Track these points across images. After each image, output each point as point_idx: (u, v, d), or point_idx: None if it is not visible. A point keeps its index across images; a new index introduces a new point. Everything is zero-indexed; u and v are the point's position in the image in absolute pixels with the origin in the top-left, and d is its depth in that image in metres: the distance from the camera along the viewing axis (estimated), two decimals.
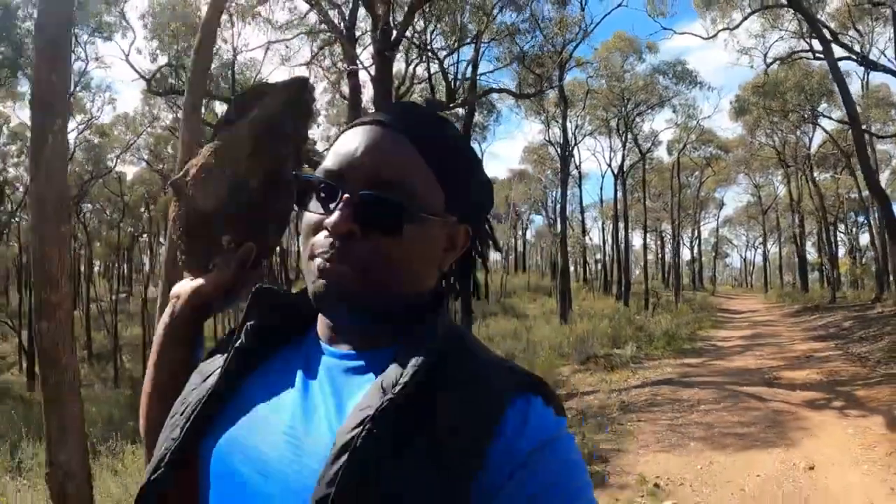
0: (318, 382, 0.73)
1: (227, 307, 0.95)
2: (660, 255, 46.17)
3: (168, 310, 0.94)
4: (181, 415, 0.76)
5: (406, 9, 11.82)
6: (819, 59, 16.61)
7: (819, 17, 18.05)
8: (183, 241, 1.00)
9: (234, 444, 0.72)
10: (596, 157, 77.12)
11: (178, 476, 0.74)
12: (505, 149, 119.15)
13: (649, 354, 12.20)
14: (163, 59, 18.99)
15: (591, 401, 8.33)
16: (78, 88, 22.42)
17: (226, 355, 0.78)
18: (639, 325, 15.86)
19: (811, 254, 36.81)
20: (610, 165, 30.08)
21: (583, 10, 17.94)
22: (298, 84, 1.04)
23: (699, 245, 44.86)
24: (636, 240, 48.74)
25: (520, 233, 50.66)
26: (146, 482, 0.74)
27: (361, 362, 0.72)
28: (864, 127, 18.67)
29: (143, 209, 36.47)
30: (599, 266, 42.63)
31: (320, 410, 0.70)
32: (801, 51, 19.07)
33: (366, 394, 0.65)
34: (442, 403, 0.64)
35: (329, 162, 0.72)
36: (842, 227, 34.83)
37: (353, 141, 0.72)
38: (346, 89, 14.38)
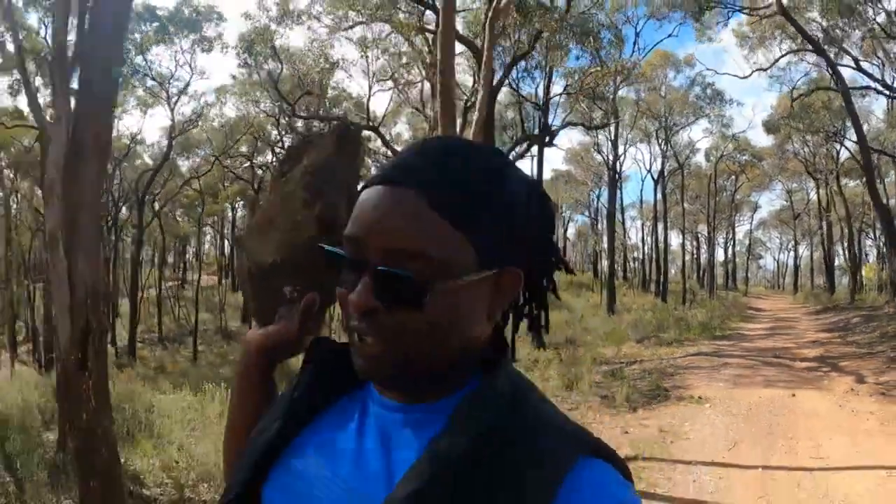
0: (371, 434, 0.76)
1: (295, 355, 1.00)
2: (695, 256, 49.95)
3: (241, 358, 1.03)
4: (246, 458, 0.83)
5: (510, 58, 15.82)
6: (836, 91, 20.35)
7: (844, 45, 21.77)
8: (249, 293, 1.09)
9: (290, 492, 0.78)
10: (637, 162, 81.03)
11: None
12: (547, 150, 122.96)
13: (688, 338, 16.16)
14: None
15: (649, 364, 12.33)
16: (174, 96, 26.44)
17: (284, 405, 0.84)
18: (678, 316, 19.85)
19: (841, 257, 40.47)
20: (650, 171, 33.96)
21: (636, 48, 22.00)
22: (343, 130, 1.12)
23: (733, 247, 48.61)
24: (672, 240, 52.46)
25: (561, 231, 54.59)
26: None
27: (412, 415, 0.74)
28: (881, 148, 22.43)
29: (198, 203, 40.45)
30: (637, 264, 46.56)
31: (372, 462, 0.74)
32: (821, 88, 22.78)
33: (415, 466, 0.67)
34: (497, 478, 0.65)
35: (350, 227, 0.72)
36: (872, 233, 38.45)
37: (367, 205, 0.71)
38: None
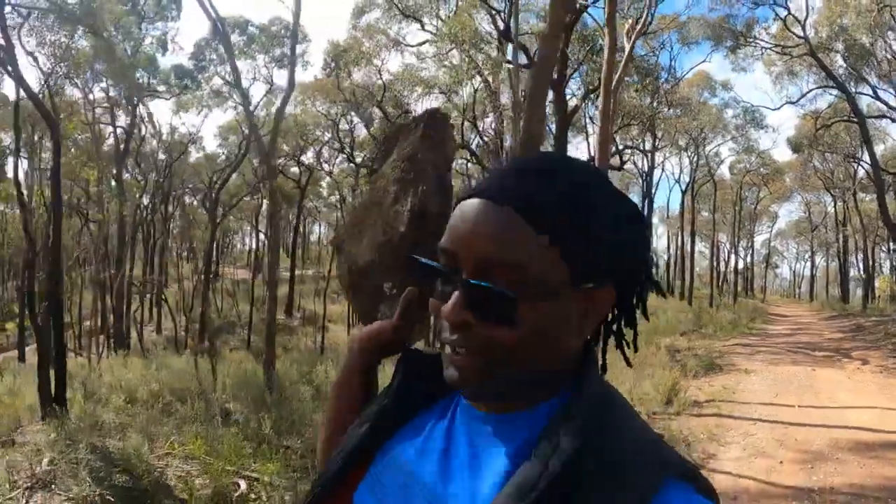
0: (458, 443, 0.81)
1: (399, 349, 1.04)
2: (715, 263, 53.82)
3: (346, 356, 1.11)
4: (339, 453, 0.91)
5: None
6: (853, 122, 24.19)
7: (862, 73, 25.53)
8: (349, 294, 1.19)
9: (378, 492, 0.85)
10: (665, 172, 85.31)
11: None
12: (574, 153, 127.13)
13: (722, 334, 19.90)
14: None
15: (698, 350, 16.09)
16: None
17: (377, 410, 0.91)
18: (710, 317, 23.66)
19: (856, 269, 44.43)
20: (678, 181, 37.74)
21: (672, 71, 25.76)
22: (427, 117, 1.20)
23: (752, 255, 52.42)
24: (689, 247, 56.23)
25: None
26: (306, 502, 0.90)
27: (500, 426, 0.78)
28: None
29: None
30: (661, 270, 50.36)
31: (456, 469, 0.79)
32: (841, 119, 26.59)
33: (501, 492, 0.70)
34: (582, 501, 0.68)
35: (444, 240, 0.76)
36: (886, 246, 42.35)
37: (461, 217, 0.75)
38: None
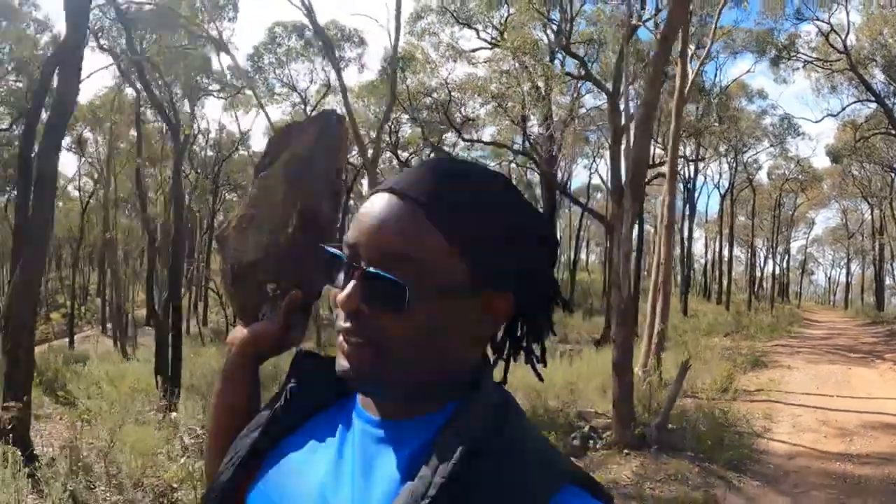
0: (350, 447, 0.83)
1: (280, 353, 1.07)
2: (750, 268, 55.36)
3: (226, 360, 1.10)
4: (230, 461, 0.90)
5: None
6: (892, 134, 25.86)
7: None
8: (230, 292, 1.14)
9: (268, 497, 0.86)
10: (705, 178, 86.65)
11: None
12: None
13: (762, 336, 21.70)
14: None
15: (743, 350, 17.94)
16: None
17: (268, 414, 0.91)
18: (750, 320, 25.48)
19: (892, 277, 45.84)
20: (717, 186, 39.40)
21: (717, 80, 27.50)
22: (324, 118, 1.16)
23: (788, 261, 53.90)
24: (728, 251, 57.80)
25: None
26: None
27: (391, 432, 0.80)
28: None
29: None
30: (697, 274, 52.01)
31: (348, 476, 0.80)
32: (879, 132, 28.23)
33: (396, 500, 0.72)
34: None
35: (349, 233, 0.79)
36: None
37: (366, 211, 0.78)
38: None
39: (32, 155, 13.90)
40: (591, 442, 7.49)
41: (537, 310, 0.86)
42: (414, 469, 0.73)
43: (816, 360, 16.16)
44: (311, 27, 29.48)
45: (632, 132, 20.97)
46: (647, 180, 25.78)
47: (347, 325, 0.77)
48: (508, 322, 0.85)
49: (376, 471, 0.78)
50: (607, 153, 21.62)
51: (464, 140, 28.95)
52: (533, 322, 0.87)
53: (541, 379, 0.93)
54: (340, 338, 0.79)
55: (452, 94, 26.59)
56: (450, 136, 30.71)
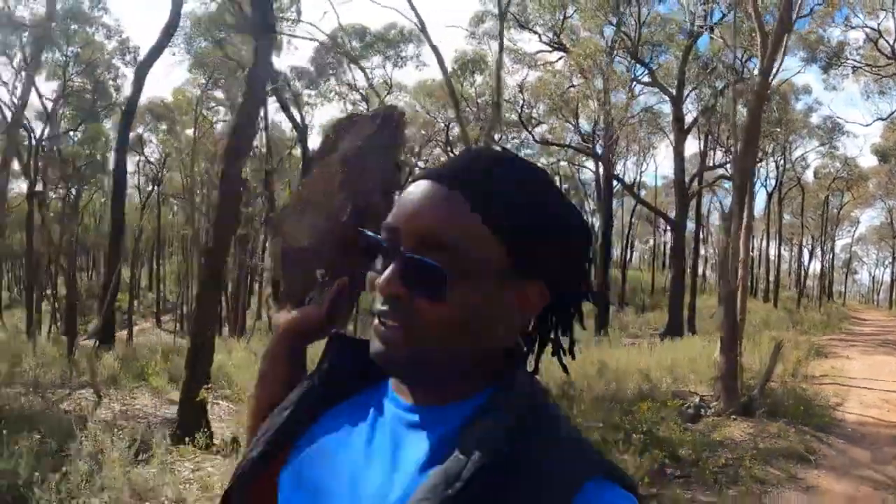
0: (382, 431, 0.86)
1: (323, 337, 1.08)
2: (794, 267, 56.94)
3: (271, 341, 1.16)
4: (263, 435, 0.94)
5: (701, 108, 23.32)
6: None
7: None
8: (280, 275, 1.19)
9: (300, 476, 0.90)
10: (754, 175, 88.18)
11: (257, 493, 0.93)
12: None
13: (815, 332, 23.59)
14: None
15: (801, 343, 19.87)
16: None
17: (302, 392, 0.96)
18: (801, 317, 27.38)
19: None
20: (765, 185, 41.12)
21: None
22: (384, 114, 1.20)
23: (832, 260, 55.35)
24: (773, 250, 59.33)
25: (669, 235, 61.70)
26: (228, 487, 0.94)
27: (423, 416, 0.83)
28: None
29: None
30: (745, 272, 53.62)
31: (378, 457, 0.84)
32: None
33: (426, 481, 0.75)
34: (505, 495, 0.73)
35: (390, 217, 0.82)
36: None
37: (409, 196, 0.81)
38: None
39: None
40: (702, 410, 9.50)
41: (569, 302, 0.90)
42: (444, 455, 0.76)
43: (871, 352, 18.07)
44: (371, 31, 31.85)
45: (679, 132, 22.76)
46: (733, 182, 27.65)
47: (385, 308, 0.80)
48: (539, 313, 0.88)
49: (407, 455, 0.82)
50: (656, 150, 23.49)
51: (537, 142, 30.86)
52: (564, 314, 0.90)
53: (566, 371, 0.96)
54: (376, 321, 0.82)
55: (523, 95, 28.47)
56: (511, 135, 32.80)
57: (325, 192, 1.16)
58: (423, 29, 15.55)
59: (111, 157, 31.98)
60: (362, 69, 28.15)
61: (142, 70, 21.39)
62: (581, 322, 0.92)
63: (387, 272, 0.79)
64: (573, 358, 0.93)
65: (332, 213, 1.14)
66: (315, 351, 1.06)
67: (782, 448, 8.07)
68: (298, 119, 29.99)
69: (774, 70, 12.31)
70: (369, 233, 0.85)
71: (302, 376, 1.05)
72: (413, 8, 15.39)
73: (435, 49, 15.51)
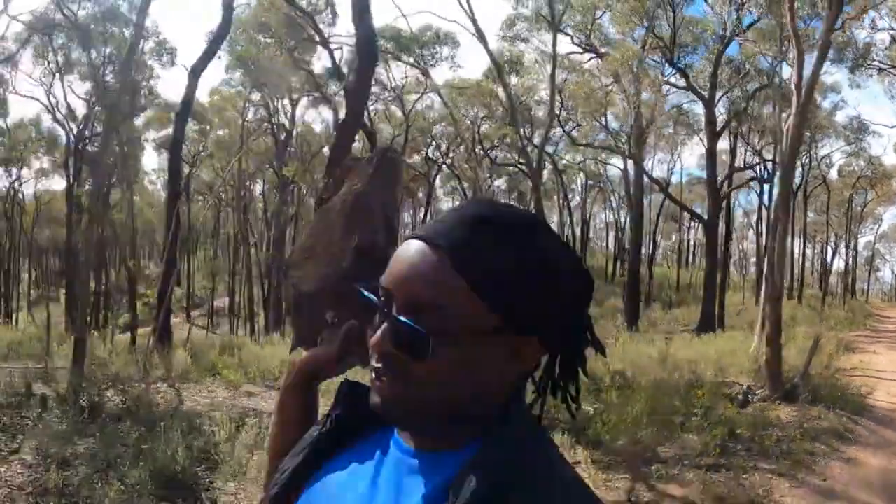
0: (385, 474, 0.91)
1: (336, 376, 1.19)
2: (816, 264, 58.09)
3: (284, 378, 1.25)
4: (278, 479, 1.02)
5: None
6: None
7: None
8: (292, 318, 1.28)
9: None
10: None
11: None
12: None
13: (841, 328, 24.88)
14: None
15: (830, 339, 21.19)
16: None
17: (314, 437, 1.02)
18: (826, 314, 28.71)
19: None
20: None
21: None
22: (381, 155, 1.27)
23: (855, 257, 56.40)
24: (798, 248, 60.43)
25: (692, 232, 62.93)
26: None
27: (423, 463, 0.88)
28: None
29: None
30: (759, 269, 54.80)
31: (381, 500, 0.89)
32: None
33: None
34: None
35: (384, 276, 0.87)
36: None
37: (398, 257, 0.86)
38: None
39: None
40: (749, 397, 10.88)
41: (568, 351, 0.92)
42: (439, 501, 0.81)
43: (888, 345, 19.44)
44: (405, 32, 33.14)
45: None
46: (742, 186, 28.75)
47: (379, 365, 0.86)
48: (547, 360, 0.92)
49: (405, 500, 0.86)
50: (683, 148, 24.83)
51: (575, 143, 32.19)
52: (566, 363, 0.93)
53: (573, 417, 0.99)
54: (373, 374, 0.88)
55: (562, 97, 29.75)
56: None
57: (328, 236, 1.22)
58: (483, 42, 16.84)
59: (142, 155, 33.83)
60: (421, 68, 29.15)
61: (196, 72, 22.72)
62: (584, 370, 0.94)
63: (378, 333, 0.85)
64: (578, 407, 0.95)
65: (335, 257, 1.20)
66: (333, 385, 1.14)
67: (824, 428, 9.44)
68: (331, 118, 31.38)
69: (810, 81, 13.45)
70: (366, 294, 0.90)
71: (314, 413, 1.21)
72: (474, 22, 16.68)
73: (492, 56, 16.84)
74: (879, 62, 29.82)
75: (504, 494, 0.77)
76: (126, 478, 5.77)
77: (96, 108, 34.11)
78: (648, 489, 6.76)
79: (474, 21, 17.36)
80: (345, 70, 34.83)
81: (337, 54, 27.85)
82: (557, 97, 29.90)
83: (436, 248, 0.83)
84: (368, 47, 10.10)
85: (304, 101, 35.94)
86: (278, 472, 1.03)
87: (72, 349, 11.09)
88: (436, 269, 0.82)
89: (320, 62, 34.62)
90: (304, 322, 1.25)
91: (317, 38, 29.34)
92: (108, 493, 5.48)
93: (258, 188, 44.27)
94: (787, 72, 26.95)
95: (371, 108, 35.75)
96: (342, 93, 34.96)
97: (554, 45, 20.06)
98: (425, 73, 29.10)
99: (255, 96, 34.46)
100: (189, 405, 9.51)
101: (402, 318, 0.82)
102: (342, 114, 31.30)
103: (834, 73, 32.64)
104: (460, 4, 17.01)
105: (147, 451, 6.41)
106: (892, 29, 28.39)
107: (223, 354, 15.81)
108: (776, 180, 26.08)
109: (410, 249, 0.85)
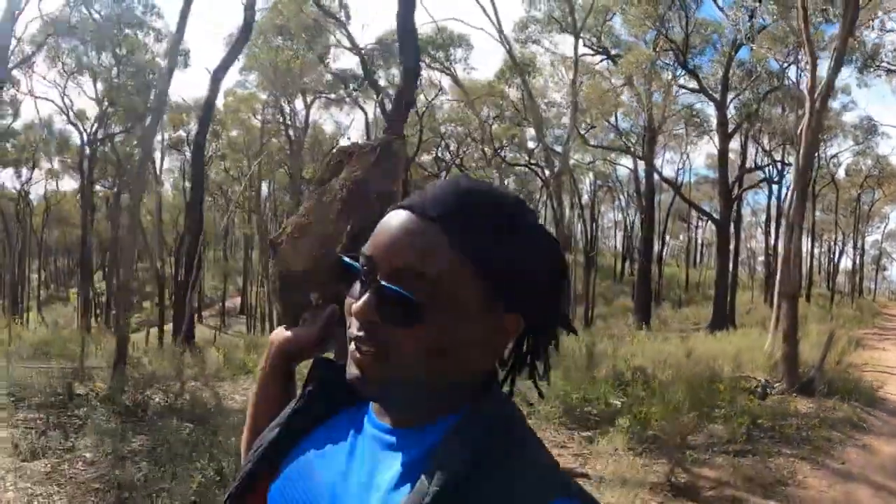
0: (361, 448, 0.92)
1: (315, 356, 1.14)
2: (822, 263, 58.80)
3: (263, 357, 1.25)
4: (253, 454, 1.03)
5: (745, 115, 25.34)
6: None
7: None
8: (277, 296, 1.26)
9: (284, 492, 0.97)
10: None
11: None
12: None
13: (850, 326, 25.60)
14: None
15: (840, 336, 21.91)
16: None
17: (288, 414, 1.02)
18: (835, 312, 29.45)
19: None
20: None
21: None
22: (384, 144, 1.25)
23: (862, 256, 57.08)
24: (805, 247, 60.96)
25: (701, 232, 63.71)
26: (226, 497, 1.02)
27: (399, 439, 0.88)
28: None
29: None
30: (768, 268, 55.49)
31: (356, 476, 0.90)
32: None
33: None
34: None
35: (367, 245, 0.86)
36: None
37: (386, 226, 0.85)
38: None
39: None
40: (768, 390, 11.60)
41: (544, 331, 0.94)
42: (415, 477, 0.80)
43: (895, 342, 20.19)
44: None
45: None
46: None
47: (360, 334, 0.84)
48: (521, 336, 0.92)
49: (381, 476, 0.86)
50: (692, 148, 25.56)
51: (590, 146, 32.92)
52: (538, 340, 0.95)
53: (542, 395, 1.02)
54: (352, 346, 0.85)
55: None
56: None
57: (323, 218, 1.22)
58: (508, 48, 17.53)
59: (157, 156, 34.44)
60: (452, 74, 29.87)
61: (218, 75, 23.37)
62: (557, 347, 0.95)
63: (362, 299, 0.83)
64: (548, 383, 0.98)
65: (328, 239, 1.21)
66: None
67: (840, 418, 10.17)
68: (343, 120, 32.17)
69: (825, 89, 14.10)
70: (348, 260, 0.92)
71: (291, 390, 1.22)
72: (500, 31, 17.39)
73: (514, 59, 17.50)
74: (888, 63, 30.53)
75: (484, 468, 0.80)
76: (205, 470, 5.98)
77: (109, 109, 34.72)
78: (685, 472, 7.45)
79: (500, 30, 18.10)
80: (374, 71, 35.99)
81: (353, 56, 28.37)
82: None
83: (425, 218, 0.83)
84: (412, 53, 10.79)
85: (317, 102, 36.74)
86: (253, 448, 1.05)
87: (114, 348, 11.41)
88: (426, 239, 0.82)
89: (335, 64, 35.13)
90: (287, 302, 1.26)
91: (346, 44, 30.05)
92: (191, 486, 5.71)
93: (264, 188, 45.08)
94: (795, 74, 27.91)
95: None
96: (363, 93, 36.20)
97: (576, 51, 20.77)
98: (456, 81, 29.58)
99: (269, 97, 35.10)
100: (227, 403, 9.71)
101: (389, 286, 0.81)
102: (370, 113, 32.11)
103: (845, 78, 33.36)
104: (485, 13, 17.71)
105: (204, 447, 6.68)
106: None
107: (250, 353, 16.14)
108: (788, 181, 26.75)
109: (398, 218, 0.85)
